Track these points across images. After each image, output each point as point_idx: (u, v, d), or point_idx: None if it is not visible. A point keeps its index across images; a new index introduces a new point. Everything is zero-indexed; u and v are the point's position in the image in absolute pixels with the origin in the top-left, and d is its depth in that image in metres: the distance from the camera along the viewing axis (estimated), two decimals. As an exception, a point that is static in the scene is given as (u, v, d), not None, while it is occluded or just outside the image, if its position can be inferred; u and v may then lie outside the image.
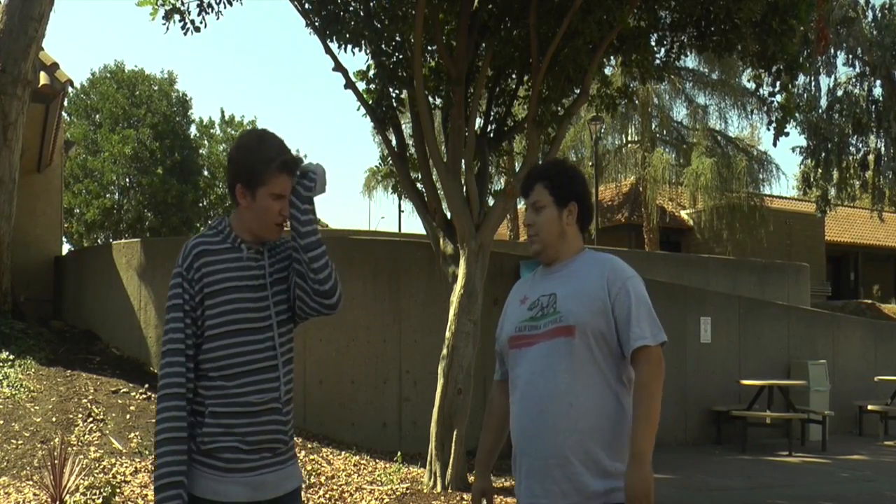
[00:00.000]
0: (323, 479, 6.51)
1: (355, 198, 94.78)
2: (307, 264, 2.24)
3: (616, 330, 2.34)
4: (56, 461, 5.16)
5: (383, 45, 7.25)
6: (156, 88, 27.00)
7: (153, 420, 6.86)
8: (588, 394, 2.32)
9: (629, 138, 24.53)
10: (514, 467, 2.46)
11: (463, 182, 7.05)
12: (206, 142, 29.13)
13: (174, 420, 2.11)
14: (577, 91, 7.39)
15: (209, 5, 7.10)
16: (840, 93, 19.52)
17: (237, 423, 2.15)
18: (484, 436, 2.67)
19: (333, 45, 7.12)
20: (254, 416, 2.16)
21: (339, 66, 7.13)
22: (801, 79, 17.60)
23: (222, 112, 30.79)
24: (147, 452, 6.27)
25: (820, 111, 19.20)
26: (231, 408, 2.15)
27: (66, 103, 12.68)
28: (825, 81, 19.90)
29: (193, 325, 2.17)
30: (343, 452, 7.33)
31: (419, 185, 7.48)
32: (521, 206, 23.90)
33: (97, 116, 26.30)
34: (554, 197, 2.47)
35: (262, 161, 2.18)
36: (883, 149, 19.94)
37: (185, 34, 7.13)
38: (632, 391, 2.35)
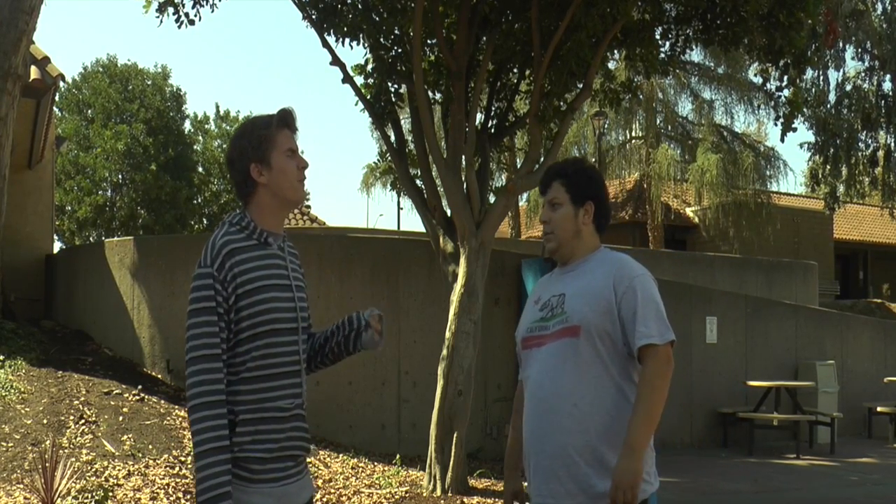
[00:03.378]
0: (320, 482, 6.44)
1: (353, 195, 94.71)
2: (332, 358, 2.37)
3: (622, 330, 2.35)
4: (47, 464, 5.10)
5: (382, 39, 7.23)
6: (149, 83, 26.79)
7: (147, 422, 6.85)
8: (593, 393, 2.33)
9: (633, 134, 24.36)
10: (525, 466, 2.49)
11: (463, 178, 7.01)
12: (200, 137, 28.93)
13: (216, 429, 2.02)
14: (580, 86, 7.33)
15: (203, -3, 6.99)
16: (849, 87, 19.32)
17: (266, 430, 2.10)
18: (511, 435, 2.66)
19: (331, 39, 7.12)
20: (282, 423, 2.13)
21: (336, 61, 7.10)
22: (809, 73, 17.42)
23: (217, 107, 30.52)
24: (140, 455, 6.21)
25: (828, 106, 19.00)
26: (262, 413, 2.10)
27: (57, 98, 12.61)
28: (834, 76, 19.80)
29: (227, 327, 2.09)
30: (341, 455, 7.27)
31: (418, 182, 7.46)
32: (522, 203, 23.81)
33: (89, 111, 26.11)
34: (570, 195, 2.50)
35: (262, 126, 2.21)
36: (893, 144, 19.73)
37: (179, 27, 7.10)
38: None
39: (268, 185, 2.18)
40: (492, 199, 7.44)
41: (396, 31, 7.27)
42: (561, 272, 2.54)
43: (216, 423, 2.02)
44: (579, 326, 2.34)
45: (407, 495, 6.34)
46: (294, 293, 2.21)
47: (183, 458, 6.26)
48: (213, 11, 7.23)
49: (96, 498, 5.32)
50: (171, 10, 7.02)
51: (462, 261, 6.76)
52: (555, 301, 2.44)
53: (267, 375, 2.12)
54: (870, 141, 20.16)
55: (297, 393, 2.18)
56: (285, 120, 2.23)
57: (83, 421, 6.56)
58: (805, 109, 15.30)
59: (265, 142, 2.18)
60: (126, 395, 7.16)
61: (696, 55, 20.95)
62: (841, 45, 18.54)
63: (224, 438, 2.03)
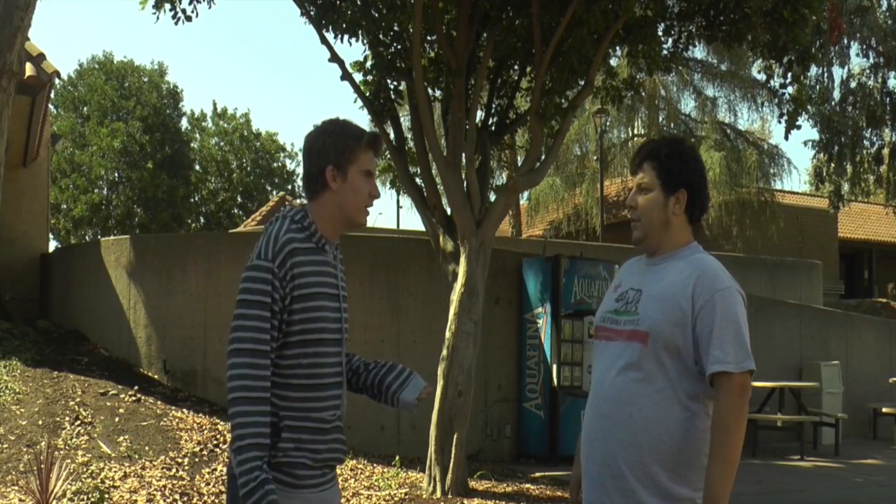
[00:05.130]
0: (317, 484, 6.35)
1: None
2: (359, 388, 2.35)
3: (695, 347, 2.14)
4: (42, 465, 5.06)
5: (381, 35, 7.17)
6: (145, 80, 26.82)
7: (143, 423, 6.79)
8: (652, 407, 2.16)
9: (635, 131, 24.29)
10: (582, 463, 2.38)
11: (463, 177, 6.96)
12: (197, 135, 28.96)
13: (260, 426, 1.98)
14: (582, 83, 7.27)
15: (200, -7, 6.92)
16: (854, 84, 19.17)
17: (309, 440, 2.09)
18: (584, 420, 2.50)
19: (329, 36, 7.08)
20: (324, 434, 2.12)
21: (335, 57, 7.06)
22: (814, 70, 17.27)
23: (214, 104, 30.68)
24: (136, 456, 6.18)
25: (833, 103, 18.86)
26: (306, 422, 2.09)
27: (52, 95, 12.57)
28: (838, 73, 19.60)
29: (279, 327, 2.05)
30: (339, 456, 7.17)
31: (418, 180, 7.42)
32: (523, 201, 23.74)
33: (85, 109, 26.16)
34: (662, 181, 2.27)
35: (352, 137, 2.17)
36: (898, 142, 19.61)
37: (175, 24, 7.02)
38: (710, 412, 2.15)
39: (337, 193, 2.16)
40: (492, 197, 7.38)
41: (396, 28, 7.20)
42: (647, 262, 2.33)
43: (260, 419, 1.98)
44: (648, 334, 2.16)
45: (406, 497, 6.28)
46: (341, 303, 2.19)
47: (180, 460, 6.21)
48: (210, 7, 7.17)
49: (92, 500, 5.30)
50: (167, 6, 6.94)
51: (462, 260, 6.70)
52: (631, 295, 2.26)
53: (314, 385, 2.10)
54: (875, 139, 20.02)
55: (338, 404, 2.17)
56: (373, 143, 2.22)
57: (79, 422, 6.51)
58: (809, 107, 15.20)
59: (349, 151, 2.16)
60: (122, 395, 7.10)
61: (698, 52, 20.87)
62: (846, 41, 18.42)
63: (265, 437, 1.99)
